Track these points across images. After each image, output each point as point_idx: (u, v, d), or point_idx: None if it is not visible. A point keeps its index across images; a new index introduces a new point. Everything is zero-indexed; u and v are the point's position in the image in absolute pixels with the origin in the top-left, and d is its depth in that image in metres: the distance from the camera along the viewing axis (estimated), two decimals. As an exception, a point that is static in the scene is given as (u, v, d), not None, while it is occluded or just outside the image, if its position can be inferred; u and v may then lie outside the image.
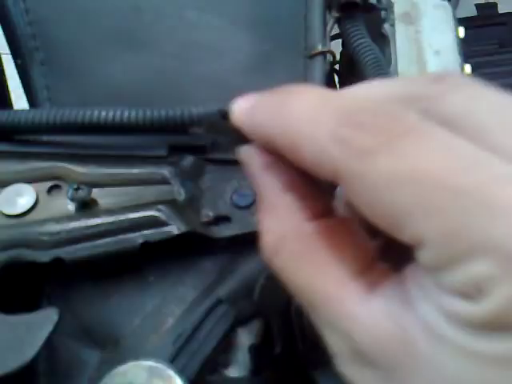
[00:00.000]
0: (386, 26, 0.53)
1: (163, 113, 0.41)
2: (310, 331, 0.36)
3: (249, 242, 0.41)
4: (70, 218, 0.39)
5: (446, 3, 0.55)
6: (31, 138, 0.44)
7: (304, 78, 0.48)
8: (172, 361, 0.35)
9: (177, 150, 0.43)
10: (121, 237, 0.38)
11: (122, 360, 0.37)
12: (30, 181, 0.41)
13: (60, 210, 0.40)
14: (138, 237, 0.39)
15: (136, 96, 0.47)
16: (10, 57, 0.52)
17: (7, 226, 0.39)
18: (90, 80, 0.48)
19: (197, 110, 0.42)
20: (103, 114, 0.41)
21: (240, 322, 0.38)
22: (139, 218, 0.39)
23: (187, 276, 0.41)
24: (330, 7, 0.52)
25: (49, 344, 0.35)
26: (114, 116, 0.41)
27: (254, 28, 0.50)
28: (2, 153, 0.43)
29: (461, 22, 0.57)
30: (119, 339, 0.39)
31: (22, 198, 0.40)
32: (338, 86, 0.61)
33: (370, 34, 0.51)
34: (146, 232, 0.39)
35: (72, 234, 0.38)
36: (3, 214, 0.40)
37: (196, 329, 0.36)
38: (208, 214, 0.41)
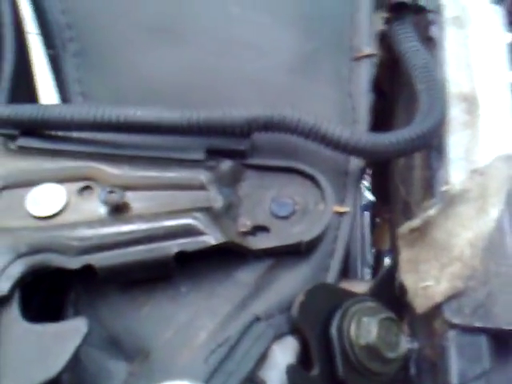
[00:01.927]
0: (434, 29, 0.50)
1: (202, 114, 0.39)
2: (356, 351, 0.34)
3: (286, 253, 0.39)
4: (102, 222, 0.37)
5: (497, 7, 0.53)
6: (61, 133, 0.42)
7: (349, 81, 0.46)
8: (207, 381, 0.33)
9: (214, 154, 0.41)
10: (155, 245, 0.36)
11: (151, 374, 0.35)
12: (60, 180, 0.39)
13: (91, 213, 0.38)
14: (172, 246, 0.36)
15: (172, 93, 0.44)
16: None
17: (35, 229, 0.37)
18: (125, 74, 0.46)
19: (238, 112, 0.40)
20: (139, 112, 0.39)
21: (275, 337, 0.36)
22: (175, 226, 0.37)
23: (221, 287, 0.38)
24: (378, 7, 0.50)
25: (75, 355, 0.33)
26: (150, 116, 0.39)
27: (298, 26, 0.47)
28: (31, 149, 0.41)
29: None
30: (149, 352, 0.37)
31: (51, 198, 0.38)
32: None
33: (417, 36, 0.49)
34: (181, 241, 0.37)
35: (104, 240, 0.36)
36: (31, 214, 0.38)
37: (233, 347, 0.34)
38: (245, 223, 0.39)
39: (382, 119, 0.51)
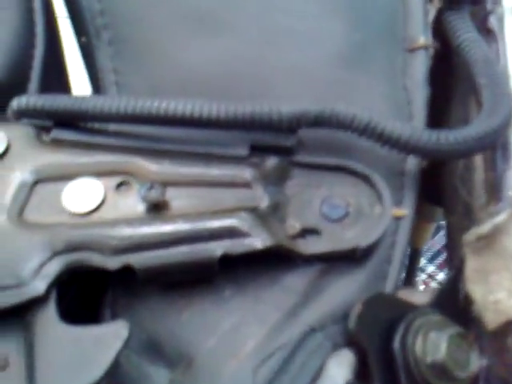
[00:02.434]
0: (493, 20, 0.47)
1: (248, 108, 0.36)
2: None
3: (339, 258, 0.36)
4: (141, 220, 0.35)
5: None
6: (97, 126, 0.39)
7: (403, 73, 0.43)
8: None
9: (259, 150, 0.38)
10: (198, 246, 0.34)
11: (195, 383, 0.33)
12: (97, 175, 0.37)
13: (129, 210, 0.36)
14: (216, 247, 0.34)
15: (214, 84, 0.42)
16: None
17: (71, 225, 0.34)
18: (162, 64, 0.43)
19: (286, 107, 0.37)
20: (181, 105, 0.36)
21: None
22: (219, 226, 0.34)
23: (268, 293, 0.36)
24: (431, -4, 0.46)
25: (116, 360, 0.30)
26: (193, 109, 0.36)
27: (347, 14, 0.44)
28: (66, 141, 0.38)
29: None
30: (192, 359, 0.34)
31: (88, 194, 0.36)
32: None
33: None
34: (225, 243, 0.34)
35: (144, 239, 0.33)
36: (67, 210, 0.35)
37: (287, 360, 0.31)
38: (294, 225, 0.36)
39: (434, 114, 0.48)
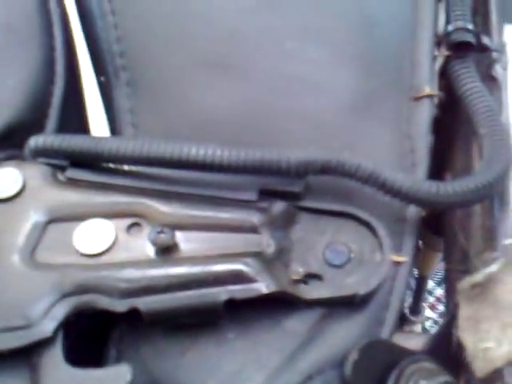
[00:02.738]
0: (498, 69, 0.48)
1: (258, 155, 0.38)
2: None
3: (339, 303, 0.37)
4: (150, 263, 0.36)
5: None
6: (111, 166, 0.41)
7: (408, 121, 0.44)
8: None
9: (267, 195, 0.40)
10: (204, 291, 0.35)
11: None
12: (109, 216, 0.38)
13: (139, 252, 0.37)
14: (222, 292, 0.35)
15: (226, 129, 0.43)
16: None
17: (82, 267, 0.36)
18: (177, 107, 0.45)
19: (295, 154, 0.38)
20: (193, 150, 0.38)
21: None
22: (225, 271, 0.35)
23: (270, 336, 0.37)
24: (438, 44, 0.48)
25: None
26: (205, 154, 0.38)
27: (357, 64, 0.46)
28: (80, 181, 0.40)
29: None
30: None
31: (99, 235, 0.37)
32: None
33: (479, 76, 0.47)
34: (231, 288, 0.35)
35: (152, 282, 0.35)
36: (78, 251, 0.37)
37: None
38: (298, 270, 0.38)
39: (439, 160, 0.49)
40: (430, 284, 1.28)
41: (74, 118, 0.50)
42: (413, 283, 0.94)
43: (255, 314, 0.37)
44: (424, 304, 1.03)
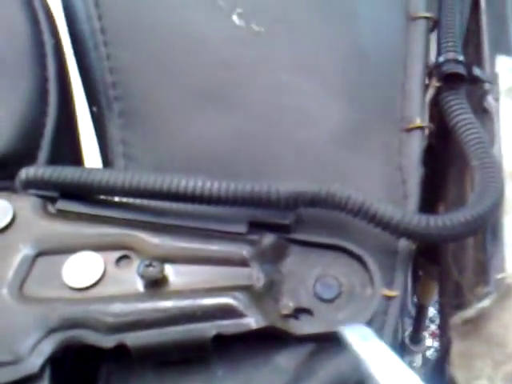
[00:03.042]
0: (490, 100, 0.48)
1: (248, 187, 0.38)
2: None
3: (329, 339, 0.37)
4: (138, 297, 0.36)
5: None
6: (102, 197, 0.41)
7: (399, 153, 0.44)
8: None
9: (257, 227, 0.39)
10: (192, 326, 0.35)
11: None
12: (98, 248, 0.38)
13: (128, 286, 0.37)
14: (211, 327, 0.35)
15: (218, 160, 0.43)
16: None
17: (70, 301, 0.35)
18: (170, 138, 0.45)
19: (284, 186, 0.38)
20: (183, 182, 0.38)
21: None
22: (214, 305, 0.35)
23: (259, 373, 0.36)
24: (430, 75, 0.48)
25: None
26: (194, 187, 0.38)
27: (347, 95, 0.46)
28: (70, 213, 0.40)
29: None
30: None
31: (88, 268, 0.37)
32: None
33: (471, 108, 0.47)
34: (220, 323, 0.35)
35: (140, 317, 0.35)
36: (67, 285, 0.36)
37: None
38: (288, 304, 0.37)
39: (431, 191, 0.49)
40: (431, 312, 1.27)
41: (66, 149, 0.50)
42: (413, 311, 0.93)
43: (245, 350, 0.37)
44: (425, 333, 1.02)
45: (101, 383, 0.37)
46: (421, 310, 0.91)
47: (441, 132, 0.49)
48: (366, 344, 0.32)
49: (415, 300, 0.89)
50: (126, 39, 0.47)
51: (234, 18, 0.47)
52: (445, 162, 0.50)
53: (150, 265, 0.36)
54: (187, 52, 0.47)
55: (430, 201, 0.47)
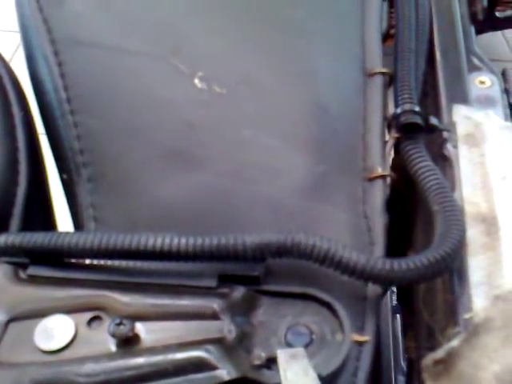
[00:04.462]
0: (449, 147, 0.51)
1: (214, 241, 0.40)
2: None
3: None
4: (109, 357, 0.37)
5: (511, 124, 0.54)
6: (72, 261, 0.43)
7: (363, 201, 0.47)
8: None
9: (227, 280, 0.41)
10: (164, 381, 0.36)
11: None
12: (69, 311, 0.39)
13: (100, 346, 0.38)
14: (183, 382, 0.36)
15: (186, 217, 0.46)
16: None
17: (42, 364, 0.37)
18: (139, 199, 0.47)
19: (251, 238, 0.40)
20: (151, 240, 0.40)
21: None
22: (185, 359, 0.36)
23: None
24: (389, 127, 0.51)
25: None
26: (162, 243, 0.40)
27: (309, 148, 0.49)
28: (41, 278, 0.41)
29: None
30: None
31: (60, 331, 0.38)
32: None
33: (430, 155, 0.50)
34: (192, 376, 0.36)
35: (111, 376, 0.36)
36: (39, 348, 0.38)
37: None
38: (260, 354, 0.38)
39: (401, 238, 0.51)
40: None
41: (38, 215, 0.52)
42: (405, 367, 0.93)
43: None
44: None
45: None
46: (412, 363, 0.91)
47: (407, 179, 0.52)
48: (291, 363, 0.34)
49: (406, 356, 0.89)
50: (92, 107, 0.50)
51: (196, 81, 0.50)
52: (412, 208, 0.53)
53: (120, 323, 0.37)
54: (151, 115, 0.50)
55: (399, 247, 0.49)
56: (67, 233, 0.42)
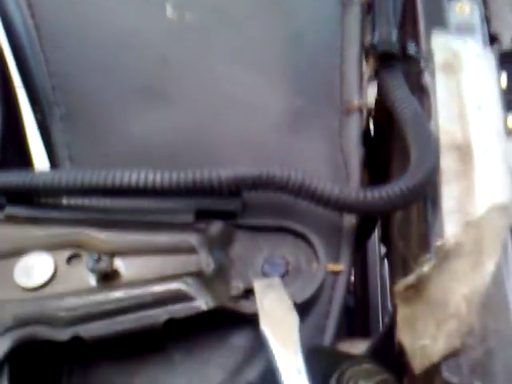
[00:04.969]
0: (426, 77, 0.52)
1: (190, 175, 0.41)
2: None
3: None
4: (89, 291, 0.38)
5: (489, 52, 0.54)
6: (50, 200, 0.44)
7: (339, 135, 0.47)
8: None
9: (204, 216, 0.42)
10: (144, 313, 0.37)
11: None
12: (48, 249, 0.40)
13: (80, 282, 0.39)
14: (162, 313, 0.37)
15: (161, 154, 0.46)
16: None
17: (23, 301, 0.38)
18: (113, 137, 0.47)
19: (225, 172, 0.41)
20: (126, 176, 0.40)
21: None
22: (164, 291, 0.38)
23: (215, 354, 0.39)
24: (366, 57, 0.51)
25: None
26: (137, 179, 0.40)
27: (285, 82, 0.49)
28: (18, 218, 0.42)
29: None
30: None
31: (39, 268, 0.39)
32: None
33: (408, 85, 0.50)
34: (171, 308, 0.38)
35: (91, 309, 0.37)
36: (19, 286, 0.39)
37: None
38: (238, 286, 0.40)
39: (383, 168, 0.52)
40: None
41: (14, 158, 0.52)
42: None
43: (201, 334, 0.40)
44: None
45: (64, 378, 0.39)
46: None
47: (385, 111, 0.52)
48: (267, 292, 0.36)
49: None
50: (61, 43, 0.50)
51: (168, 7, 0.49)
52: (390, 139, 0.53)
53: (98, 259, 0.39)
54: (121, 49, 0.50)
55: (379, 178, 0.50)
56: (43, 172, 0.43)
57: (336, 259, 0.42)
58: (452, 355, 0.37)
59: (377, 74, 0.51)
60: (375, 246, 0.85)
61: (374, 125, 0.59)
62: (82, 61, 0.50)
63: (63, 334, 0.36)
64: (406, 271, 0.43)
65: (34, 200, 0.43)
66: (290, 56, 0.51)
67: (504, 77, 0.55)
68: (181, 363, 0.39)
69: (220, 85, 0.49)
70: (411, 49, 0.52)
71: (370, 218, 0.55)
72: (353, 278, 0.90)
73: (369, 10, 0.56)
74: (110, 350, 0.39)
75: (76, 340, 0.37)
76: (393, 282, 0.48)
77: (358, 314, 0.81)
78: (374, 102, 0.56)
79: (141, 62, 0.49)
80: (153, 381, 0.38)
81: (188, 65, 0.49)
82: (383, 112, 0.54)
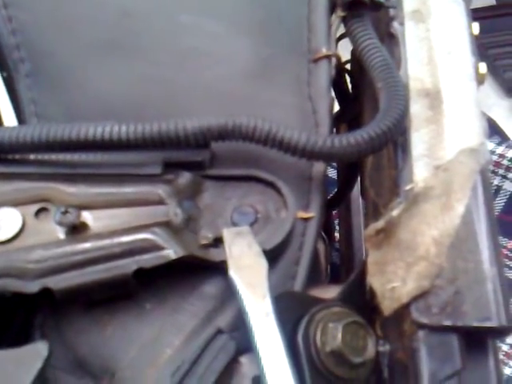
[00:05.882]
0: (396, 25, 0.52)
1: (155, 127, 0.41)
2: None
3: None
4: (57, 243, 0.39)
5: (460, -1, 0.54)
6: (17, 156, 0.44)
7: (308, 84, 0.47)
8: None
9: (172, 167, 0.42)
10: (112, 263, 0.38)
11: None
12: (15, 203, 0.41)
13: (48, 236, 0.40)
14: (131, 263, 0.38)
15: (127, 108, 0.46)
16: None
17: None
18: (78, 92, 0.47)
19: (191, 122, 0.41)
20: (91, 129, 0.41)
21: (242, 350, 0.38)
22: (132, 241, 0.38)
23: (186, 302, 0.40)
24: (334, 6, 0.51)
25: (41, 379, 0.34)
26: (102, 132, 0.40)
27: (252, 32, 0.49)
28: (-15, 174, 0.42)
29: (479, 12, 0.56)
30: (115, 371, 0.38)
31: (7, 222, 0.40)
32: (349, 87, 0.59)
33: (377, 34, 0.50)
34: (140, 257, 0.38)
35: (60, 261, 0.38)
36: (-13, 241, 0.39)
37: (194, 362, 0.35)
38: (207, 235, 0.41)
39: (352, 117, 0.53)
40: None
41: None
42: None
43: (172, 283, 0.40)
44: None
45: (36, 330, 0.40)
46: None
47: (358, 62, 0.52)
48: (236, 240, 0.36)
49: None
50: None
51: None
52: (361, 87, 0.54)
53: (66, 212, 0.39)
54: (85, 6, 0.49)
55: (352, 127, 0.51)
56: (7, 128, 0.43)
57: (306, 207, 0.43)
58: (421, 296, 0.38)
59: (345, 23, 0.51)
60: (359, 201, 0.85)
61: (351, 79, 0.59)
62: (46, 16, 0.50)
63: (32, 286, 0.37)
64: (377, 217, 0.44)
65: (0, 156, 0.43)
66: (256, 6, 0.51)
67: (476, 24, 0.55)
68: (152, 312, 0.39)
69: (184, 35, 0.48)
70: (380, -4, 0.52)
71: (349, 167, 0.56)
72: (338, 235, 0.91)
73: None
74: (81, 302, 0.39)
75: (46, 292, 0.37)
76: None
77: (344, 270, 0.82)
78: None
79: (102, 16, 0.49)
80: (124, 330, 0.39)
81: (150, 17, 0.49)
82: (357, 63, 0.54)
